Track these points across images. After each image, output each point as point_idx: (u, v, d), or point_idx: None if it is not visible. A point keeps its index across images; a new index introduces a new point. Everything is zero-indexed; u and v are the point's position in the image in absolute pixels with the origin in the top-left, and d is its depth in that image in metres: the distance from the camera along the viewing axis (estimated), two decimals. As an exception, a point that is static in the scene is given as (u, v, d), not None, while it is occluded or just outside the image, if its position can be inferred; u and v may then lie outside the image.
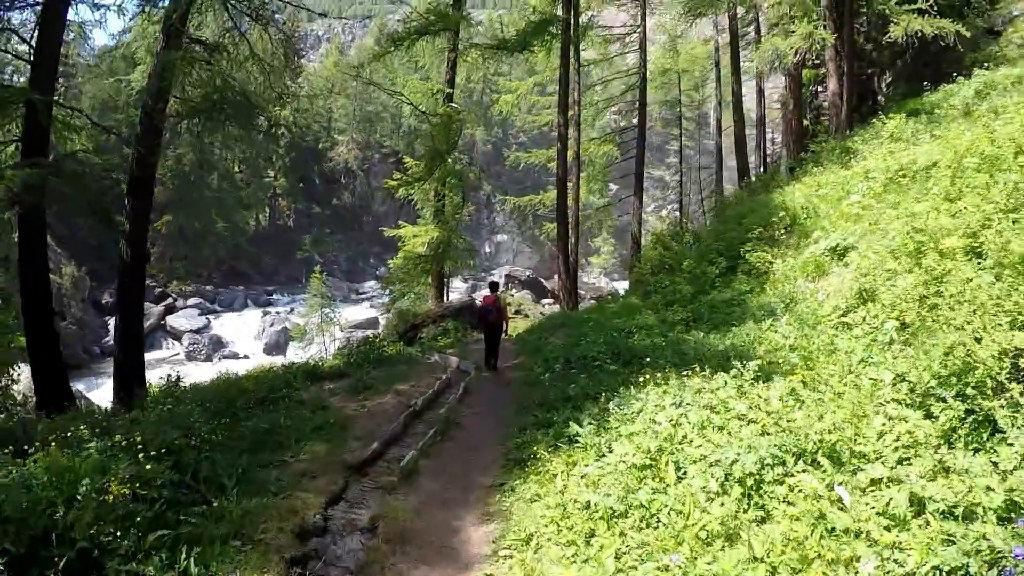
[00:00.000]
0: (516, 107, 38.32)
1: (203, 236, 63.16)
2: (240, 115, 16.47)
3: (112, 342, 48.44)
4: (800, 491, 6.05)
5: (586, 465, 8.34)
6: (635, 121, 39.15)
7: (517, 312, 47.24)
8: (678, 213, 52.53)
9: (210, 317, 57.31)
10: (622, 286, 64.18)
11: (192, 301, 58.96)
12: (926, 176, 15.53)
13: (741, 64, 38.14)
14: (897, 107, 22.66)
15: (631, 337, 16.03)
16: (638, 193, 37.19)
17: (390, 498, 8.87)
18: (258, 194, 74.03)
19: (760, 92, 44.02)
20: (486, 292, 18.19)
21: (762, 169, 40.12)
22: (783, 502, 6.10)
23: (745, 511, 6.19)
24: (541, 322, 23.42)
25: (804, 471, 6.34)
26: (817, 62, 33.24)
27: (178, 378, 15.62)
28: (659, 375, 10.77)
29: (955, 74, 23.04)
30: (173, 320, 55.05)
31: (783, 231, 19.19)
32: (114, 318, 48.01)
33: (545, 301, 56.48)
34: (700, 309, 17.65)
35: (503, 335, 17.86)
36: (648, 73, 38.65)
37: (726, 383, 9.56)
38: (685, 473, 7.25)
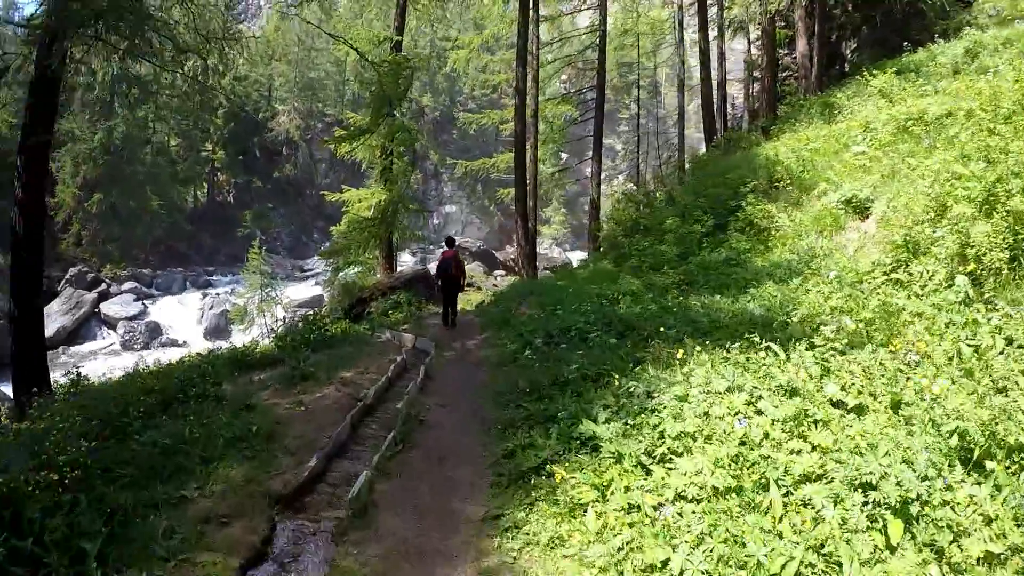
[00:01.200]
0: (467, 66, 35.39)
1: (137, 215, 58.18)
2: (134, 24, 12.77)
3: (46, 333, 45.43)
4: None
5: (628, 486, 5.58)
6: (593, 83, 36.67)
7: (469, 284, 44.46)
8: (633, 182, 49.86)
9: (147, 302, 52.52)
10: (575, 256, 61.90)
11: (127, 286, 53.75)
12: (940, 126, 14.80)
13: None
14: (876, 67, 21.57)
15: (616, 305, 13.81)
16: (596, 156, 34.53)
17: (338, 551, 5.98)
18: (195, 168, 69.18)
19: (721, 54, 41.47)
20: (444, 248, 17.49)
21: (723, 132, 37.80)
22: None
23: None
24: (503, 291, 20.73)
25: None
26: (783, 24, 32.23)
27: (78, 375, 12.49)
28: (680, 348, 8.68)
29: (925, 41, 22.99)
30: (107, 307, 50.16)
31: (778, 185, 17.64)
32: (47, 307, 44.34)
33: (497, 273, 53.62)
34: (692, 271, 15.65)
35: (460, 290, 17.41)
36: (608, 32, 35.89)
37: (797, 356, 6.90)
38: (804, 502, 4.89)
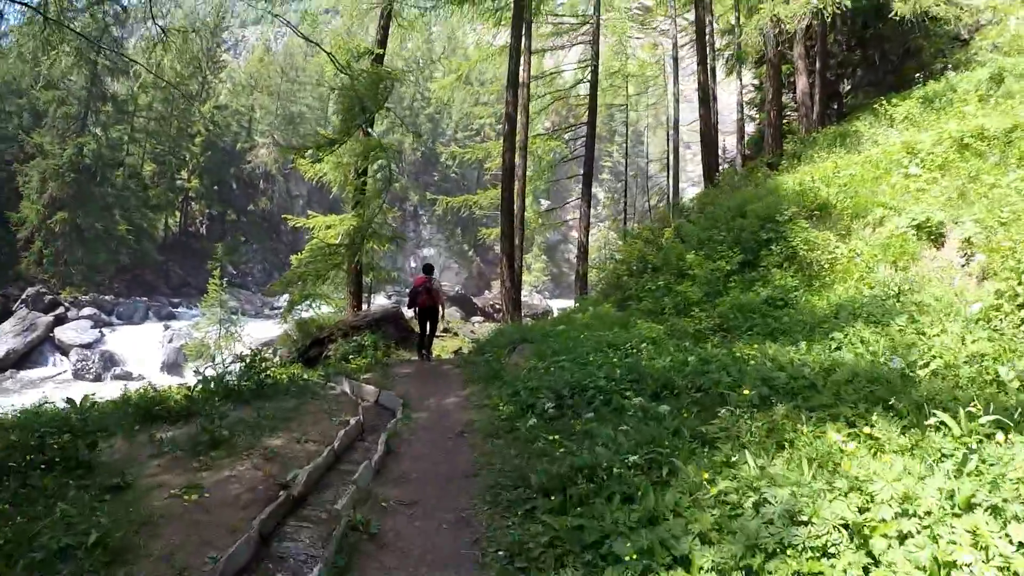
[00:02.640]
0: (451, 95, 32.37)
1: (103, 238, 54.84)
2: None
3: None
4: None
5: None
6: (583, 120, 33.96)
7: (446, 331, 40.80)
8: (617, 229, 46.87)
9: (105, 330, 48.62)
10: (557, 304, 58.59)
11: (86, 311, 49.90)
12: (1005, 142, 14.02)
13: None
14: (897, 97, 21.56)
15: (635, 354, 10.72)
16: (586, 196, 31.43)
17: None
18: (168, 195, 65.46)
19: (713, 96, 38.62)
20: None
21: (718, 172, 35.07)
22: None
23: None
24: (488, 337, 17.07)
25: None
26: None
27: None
28: (764, 418, 6.45)
29: (921, 81, 22.88)
30: (62, 332, 46.23)
31: (817, 215, 15.08)
32: None
33: (475, 319, 50.08)
34: (726, 314, 12.48)
35: (439, 321, 16.32)
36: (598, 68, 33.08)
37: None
38: None
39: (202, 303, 39.75)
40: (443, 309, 16.14)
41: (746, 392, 7.25)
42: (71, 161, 52.42)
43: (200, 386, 10.50)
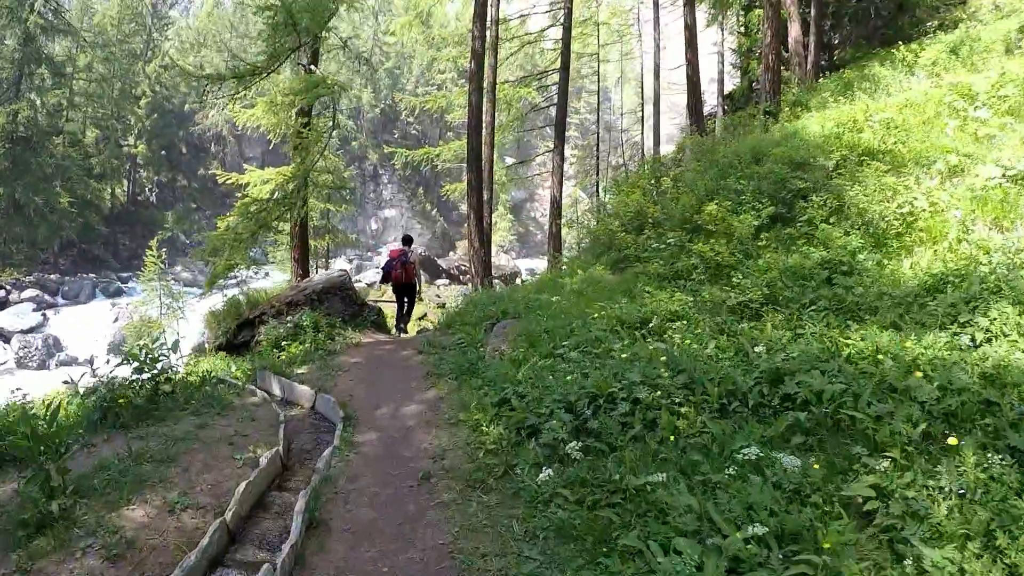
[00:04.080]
0: (410, 34, 28.44)
1: (43, 213, 49.92)
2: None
3: None
4: None
5: None
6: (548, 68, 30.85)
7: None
8: (587, 188, 43.51)
9: (49, 313, 45.00)
10: (525, 265, 55.49)
11: (28, 293, 46.08)
12: None
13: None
14: (905, 46, 19.97)
15: (661, 338, 8.14)
16: (558, 147, 27.79)
17: None
18: (112, 163, 59.66)
19: (690, 38, 35.31)
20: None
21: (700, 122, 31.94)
22: None
23: None
24: (461, 310, 13.69)
25: None
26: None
27: None
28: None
29: (916, 36, 22.25)
30: (2, 318, 42.46)
31: (864, 161, 12.04)
32: None
33: (440, 282, 46.59)
34: (775, 281, 9.20)
35: (416, 296, 14.92)
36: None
37: None
38: None
39: (140, 278, 35.98)
40: (420, 284, 14.74)
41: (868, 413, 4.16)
42: (4, 130, 47.51)
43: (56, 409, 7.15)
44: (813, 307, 8.14)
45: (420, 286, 14.84)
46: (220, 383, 9.70)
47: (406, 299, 14.67)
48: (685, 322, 8.43)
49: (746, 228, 10.89)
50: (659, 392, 5.93)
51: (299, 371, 10.34)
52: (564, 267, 15.76)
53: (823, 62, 27.07)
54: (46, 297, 47.03)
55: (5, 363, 39.17)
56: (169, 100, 66.19)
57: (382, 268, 14.54)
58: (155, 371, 8.75)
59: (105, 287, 51.00)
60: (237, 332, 13.57)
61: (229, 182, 18.44)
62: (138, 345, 9.12)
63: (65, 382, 8.91)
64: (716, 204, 11.70)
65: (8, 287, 46.00)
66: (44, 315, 44.40)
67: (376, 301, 36.36)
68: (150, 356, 8.93)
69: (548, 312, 10.32)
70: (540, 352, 8.13)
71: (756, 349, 6.68)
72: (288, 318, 12.54)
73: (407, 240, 14.85)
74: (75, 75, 56.70)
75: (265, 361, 11.00)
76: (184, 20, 74.01)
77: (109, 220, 58.29)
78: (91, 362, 33.54)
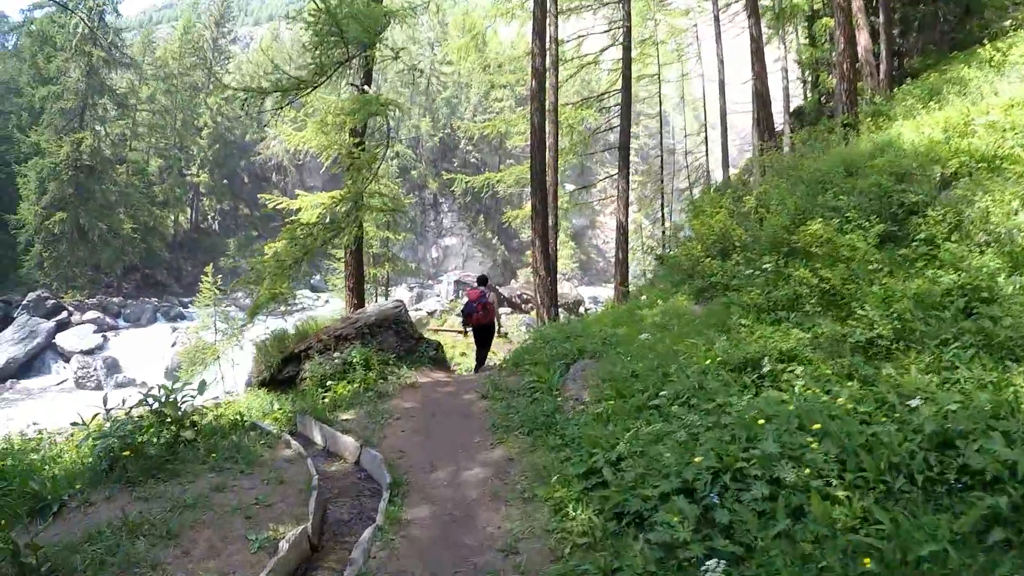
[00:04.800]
0: (467, 59, 27.36)
1: (107, 238, 50.62)
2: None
3: None
4: None
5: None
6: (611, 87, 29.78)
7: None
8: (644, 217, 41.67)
9: (109, 335, 44.86)
10: (588, 292, 53.84)
11: (90, 315, 46.15)
12: None
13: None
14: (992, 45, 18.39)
15: (776, 385, 6.69)
16: (623, 170, 26.19)
17: None
18: (175, 191, 61.21)
19: (757, 50, 33.53)
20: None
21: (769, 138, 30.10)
22: None
23: None
24: (529, 346, 12.11)
25: None
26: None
27: None
28: None
29: (988, 38, 20.23)
30: (64, 338, 42.55)
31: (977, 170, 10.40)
32: None
33: (502, 311, 44.98)
34: (905, 313, 7.40)
35: (495, 335, 14.47)
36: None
37: None
38: None
39: (196, 303, 35.49)
40: (499, 323, 14.72)
41: None
42: (69, 158, 48.35)
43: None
44: (957, 344, 6.49)
45: (499, 325, 13.93)
46: (253, 429, 8.38)
47: (483, 339, 14.02)
48: (802, 364, 6.85)
49: (865, 250, 9.23)
50: (806, 468, 4.37)
51: (344, 416, 8.94)
52: (643, 297, 14.14)
53: (897, 70, 25.69)
54: (107, 320, 47.03)
55: (65, 382, 39.19)
56: (231, 131, 67.07)
57: (462, 311, 13.94)
58: (179, 415, 7.52)
59: (166, 311, 51.00)
60: (282, 367, 12.23)
61: (280, 207, 17.39)
62: (160, 387, 7.88)
63: (74, 423, 7.68)
64: (821, 223, 10.03)
65: (71, 308, 46.11)
66: (104, 337, 44.24)
67: (438, 330, 35.08)
68: (172, 398, 7.70)
69: (631, 350, 8.79)
70: (632, 404, 6.59)
71: (911, 403, 5.11)
72: (336, 354, 11.14)
73: (483, 280, 14.42)
74: (138, 107, 58.23)
75: (307, 404, 9.64)
76: (244, 55, 74.67)
77: (172, 246, 58.94)
78: (140, 384, 33.10)
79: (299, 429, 8.98)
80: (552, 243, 20.96)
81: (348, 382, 10.43)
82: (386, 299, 37.29)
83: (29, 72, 53.19)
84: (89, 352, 41.56)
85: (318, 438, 8.46)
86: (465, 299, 14.06)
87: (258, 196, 19.89)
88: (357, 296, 17.31)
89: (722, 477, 4.57)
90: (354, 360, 10.81)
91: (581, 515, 4.86)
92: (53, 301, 45.60)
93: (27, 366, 40.15)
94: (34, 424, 10.59)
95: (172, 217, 60.71)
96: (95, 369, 39.48)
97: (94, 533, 5.12)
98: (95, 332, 44.21)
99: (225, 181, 64.69)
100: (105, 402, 7.68)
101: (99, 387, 37.54)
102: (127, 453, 6.56)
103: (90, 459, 7.01)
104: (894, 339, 7.02)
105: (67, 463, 7.77)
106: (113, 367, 40.26)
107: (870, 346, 7.10)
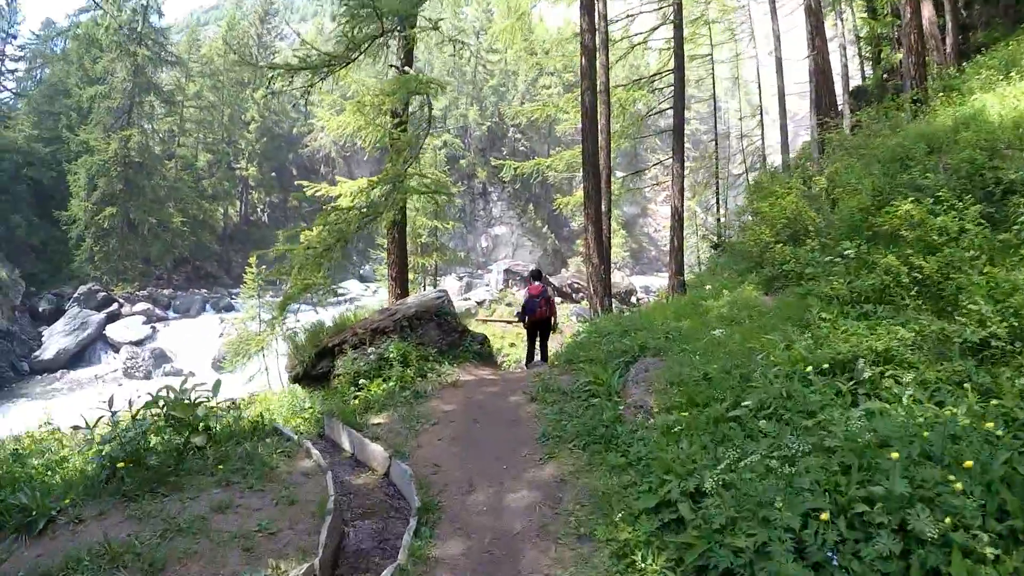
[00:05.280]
0: (512, 39, 26.20)
1: (156, 232, 51.31)
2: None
3: (46, 356, 38.71)
4: None
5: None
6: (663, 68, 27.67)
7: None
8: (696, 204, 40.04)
9: (158, 326, 44.96)
10: (640, 282, 52.54)
11: (140, 307, 46.43)
12: None
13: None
14: None
15: (875, 394, 5.49)
16: (678, 154, 24.74)
17: None
18: (224, 184, 61.28)
19: (816, 24, 31.78)
20: (530, 283, 13.51)
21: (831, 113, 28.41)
22: None
23: None
24: (583, 341, 10.90)
25: None
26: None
27: None
28: None
29: None
30: (114, 329, 42.76)
31: None
32: (50, 328, 41.15)
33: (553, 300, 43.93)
34: (1018, 308, 6.12)
35: (552, 331, 13.47)
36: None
37: None
38: None
39: (240, 294, 35.15)
40: (555, 318, 13.37)
41: None
42: (117, 155, 48.78)
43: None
44: None
45: (556, 320, 13.48)
46: (273, 435, 7.49)
47: (540, 333, 13.32)
48: (903, 369, 5.71)
49: (975, 232, 8.01)
50: (946, 516, 3.27)
51: (376, 420, 7.99)
52: (707, 287, 12.93)
53: (960, 45, 24.06)
54: (157, 311, 47.23)
55: (115, 371, 39.14)
56: (278, 124, 67.28)
57: (523, 307, 13.15)
58: (190, 417, 6.67)
59: (215, 302, 50.98)
60: (316, 362, 11.35)
61: (319, 194, 16.66)
62: (167, 387, 7.04)
63: (75, 427, 6.86)
64: (911, 203, 8.80)
65: (121, 301, 46.48)
66: (153, 327, 44.41)
67: (486, 320, 34.15)
68: (180, 401, 6.85)
69: (699, 348, 7.69)
70: (707, 415, 5.50)
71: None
72: (370, 349, 10.18)
73: (537, 274, 13.82)
74: (185, 103, 58.51)
75: (334, 405, 8.69)
76: (290, 51, 74.74)
77: (222, 239, 59.20)
78: (188, 375, 32.81)
79: (327, 432, 8.08)
80: (605, 230, 19.90)
81: (383, 380, 9.47)
82: (434, 288, 36.38)
83: (77, 74, 53.73)
84: (138, 343, 41.68)
85: (346, 444, 7.55)
86: (524, 294, 13.30)
87: (296, 183, 19.12)
88: (400, 286, 16.51)
89: (835, 524, 3.49)
90: (391, 356, 9.84)
91: (651, 565, 3.84)
92: (104, 293, 45.99)
93: (78, 356, 40.36)
94: (48, 422, 9.77)
95: (222, 210, 60.95)
96: (143, 359, 39.44)
97: (72, 560, 4.42)
98: (144, 323, 44.38)
99: (273, 174, 64.75)
100: (110, 403, 6.83)
101: (147, 377, 37.56)
102: (122, 465, 5.75)
103: (91, 467, 6.27)
104: (1010, 340, 5.85)
105: (71, 469, 7.00)
106: (161, 357, 40.27)
107: (982, 347, 5.94)
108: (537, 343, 13.36)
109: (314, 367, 11.31)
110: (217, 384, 7.48)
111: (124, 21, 50.97)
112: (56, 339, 40.42)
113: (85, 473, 6.29)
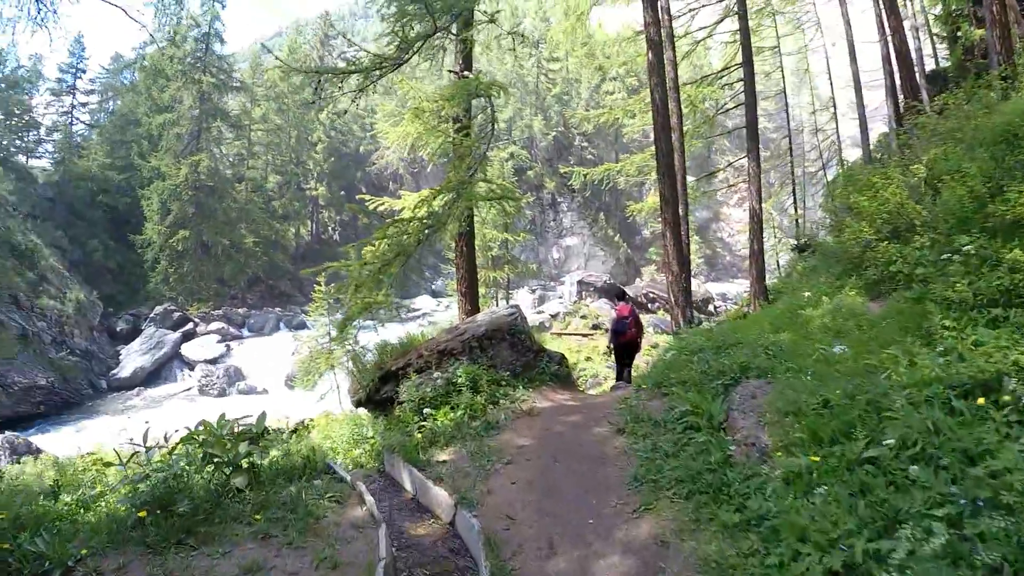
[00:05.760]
0: (573, 36, 25.21)
1: (229, 252, 52.49)
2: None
3: (123, 374, 39.78)
4: None
5: None
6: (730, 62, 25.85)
7: (595, 327, 33.65)
8: (790, 195, 38.06)
9: (232, 344, 45.73)
10: (716, 289, 50.97)
11: (215, 326, 47.37)
12: None
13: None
14: None
15: None
16: (753, 152, 23.01)
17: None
18: (294, 204, 62.55)
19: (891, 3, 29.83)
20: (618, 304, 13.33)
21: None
22: None
23: None
24: (673, 359, 9.53)
25: None
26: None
27: None
28: None
29: None
30: (189, 348, 43.74)
31: None
32: (128, 347, 42.61)
33: (625, 310, 42.31)
34: None
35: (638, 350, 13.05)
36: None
37: None
38: None
39: (310, 312, 34.99)
40: (641, 337, 12.98)
41: None
42: (187, 180, 50.20)
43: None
44: None
45: (641, 339, 13.00)
46: (325, 474, 6.64)
47: (627, 354, 12.79)
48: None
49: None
50: None
51: (441, 457, 7.03)
52: (805, 294, 11.61)
53: None
54: (231, 330, 47.97)
55: (190, 389, 39.66)
56: (345, 144, 67.95)
57: (613, 329, 12.56)
58: (231, 455, 5.89)
59: (289, 320, 51.43)
60: (379, 386, 10.50)
61: (382, 208, 15.89)
62: (203, 422, 6.27)
63: (107, 463, 6.13)
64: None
65: (197, 320, 47.50)
66: (227, 346, 45.03)
67: (561, 333, 33.06)
68: (221, 437, 6.06)
69: (808, 366, 6.53)
70: (838, 458, 4.37)
71: None
72: (436, 373, 9.22)
73: (622, 294, 13.91)
74: (252, 127, 59.89)
75: (395, 438, 7.75)
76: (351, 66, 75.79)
77: (295, 258, 59.75)
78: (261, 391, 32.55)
79: (387, 469, 7.19)
80: (684, 235, 18.72)
81: (451, 408, 8.44)
82: (507, 303, 35.38)
83: (145, 103, 55.34)
84: (212, 361, 42.28)
85: (407, 484, 6.66)
86: (612, 315, 12.78)
87: (357, 198, 18.34)
88: (470, 301, 15.57)
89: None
90: (459, 380, 8.84)
91: None
92: (179, 313, 47.03)
93: (155, 375, 41.09)
94: (86, 453, 9.11)
95: (293, 230, 61.64)
96: (218, 377, 39.84)
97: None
98: (219, 342, 45.06)
99: (343, 193, 64.89)
100: (145, 439, 6.09)
101: (222, 394, 38.05)
102: (143, 514, 4.99)
103: (121, 508, 5.48)
104: None
105: (104, 508, 6.25)
106: (235, 375, 40.56)
107: None
108: (626, 366, 12.72)
109: (377, 392, 10.47)
110: (262, 418, 6.66)
111: (188, 51, 52.53)
112: (133, 358, 41.27)
113: (114, 515, 5.53)
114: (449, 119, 14.23)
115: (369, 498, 5.82)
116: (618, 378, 12.71)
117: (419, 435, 7.84)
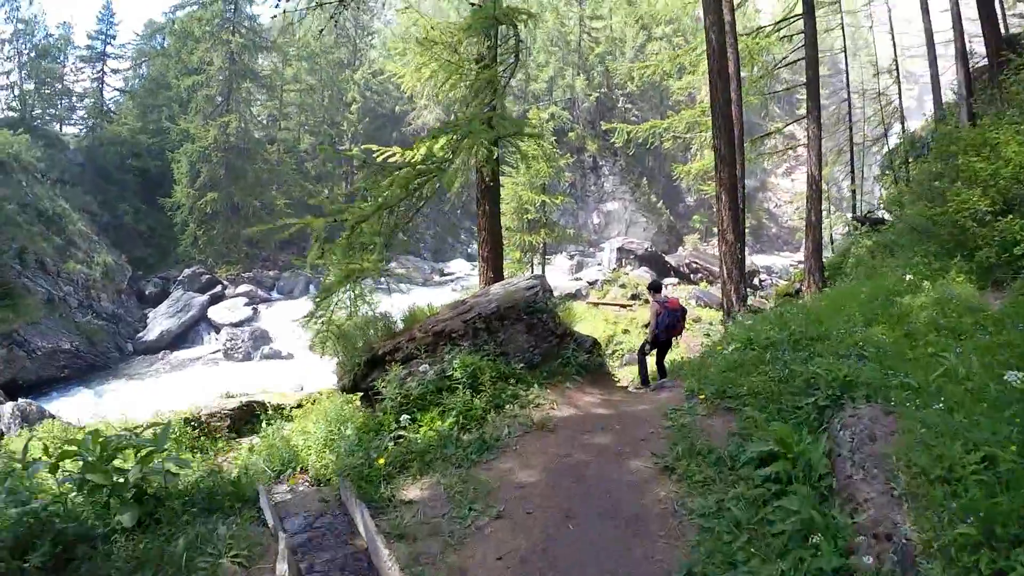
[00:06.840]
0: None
1: (260, 214, 51.30)
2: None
3: (149, 337, 39.15)
4: None
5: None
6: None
7: (634, 297, 31.39)
8: (848, 164, 35.27)
9: (260, 307, 44.73)
10: (761, 261, 48.61)
11: (243, 288, 46.48)
12: None
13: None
14: None
15: None
16: (813, 113, 20.61)
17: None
18: (327, 165, 61.44)
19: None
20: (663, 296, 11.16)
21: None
22: None
23: None
24: (739, 359, 7.10)
25: None
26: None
27: None
28: None
29: None
30: (216, 311, 42.83)
31: None
32: (155, 310, 42.37)
33: (668, 281, 39.87)
34: None
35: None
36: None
37: None
38: None
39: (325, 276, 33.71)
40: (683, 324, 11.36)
41: None
42: (217, 142, 49.44)
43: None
44: None
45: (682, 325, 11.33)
46: (249, 507, 4.76)
47: (666, 350, 11.43)
48: None
49: None
50: None
51: (410, 494, 5.06)
52: (907, 277, 9.31)
53: None
54: (260, 292, 47.33)
55: (215, 353, 39.06)
56: (380, 105, 66.63)
57: (661, 325, 10.50)
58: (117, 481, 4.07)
59: (320, 282, 50.09)
60: (367, 371, 8.57)
61: (393, 158, 13.86)
62: (90, 432, 4.45)
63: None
64: None
65: (225, 283, 47.02)
66: (255, 309, 44.20)
67: (598, 303, 30.87)
68: (98, 461, 4.23)
69: (931, 381, 4.46)
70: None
71: None
72: (425, 364, 7.16)
73: (658, 286, 11.47)
74: (284, 87, 59.42)
75: (354, 458, 5.73)
76: (388, 29, 73.56)
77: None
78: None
79: (343, 498, 5.27)
80: (741, 195, 16.55)
81: (440, 412, 6.44)
82: (542, 268, 33.17)
83: (176, 67, 55.17)
84: (238, 324, 41.48)
85: (361, 527, 4.71)
86: (656, 307, 10.66)
87: (363, 147, 16.16)
88: (493, 268, 13.70)
89: None
90: (455, 374, 6.81)
91: None
92: (208, 276, 46.48)
93: (181, 337, 40.57)
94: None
95: (327, 191, 60.04)
96: (243, 341, 38.83)
97: None
98: (246, 305, 44.25)
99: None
100: (25, 451, 4.28)
101: (247, 358, 37.47)
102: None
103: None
104: None
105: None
106: (261, 339, 39.54)
107: None
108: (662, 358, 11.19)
109: (364, 378, 8.55)
110: (167, 427, 4.79)
111: (217, 12, 51.64)
112: (160, 320, 40.75)
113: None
114: (471, 59, 12.24)
115: (286, 561, 3.87)
116: (661, 375, 10.81)
117: (389, 451, 5.81)
